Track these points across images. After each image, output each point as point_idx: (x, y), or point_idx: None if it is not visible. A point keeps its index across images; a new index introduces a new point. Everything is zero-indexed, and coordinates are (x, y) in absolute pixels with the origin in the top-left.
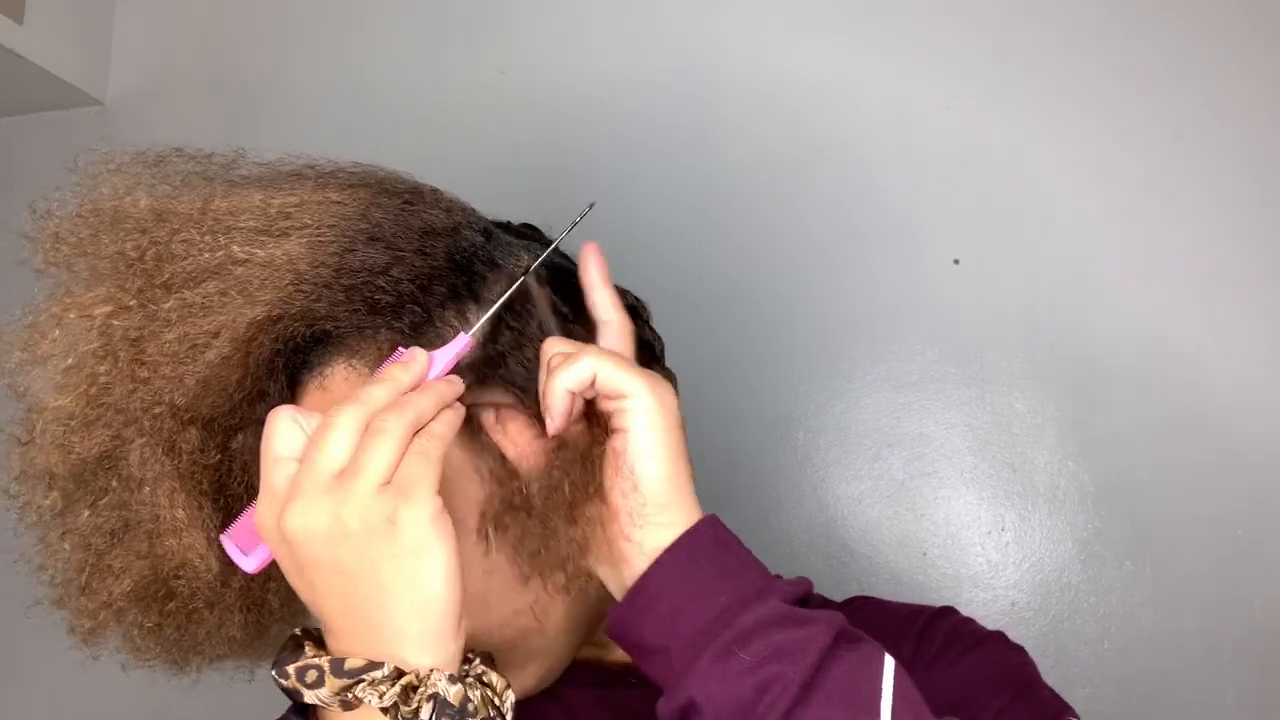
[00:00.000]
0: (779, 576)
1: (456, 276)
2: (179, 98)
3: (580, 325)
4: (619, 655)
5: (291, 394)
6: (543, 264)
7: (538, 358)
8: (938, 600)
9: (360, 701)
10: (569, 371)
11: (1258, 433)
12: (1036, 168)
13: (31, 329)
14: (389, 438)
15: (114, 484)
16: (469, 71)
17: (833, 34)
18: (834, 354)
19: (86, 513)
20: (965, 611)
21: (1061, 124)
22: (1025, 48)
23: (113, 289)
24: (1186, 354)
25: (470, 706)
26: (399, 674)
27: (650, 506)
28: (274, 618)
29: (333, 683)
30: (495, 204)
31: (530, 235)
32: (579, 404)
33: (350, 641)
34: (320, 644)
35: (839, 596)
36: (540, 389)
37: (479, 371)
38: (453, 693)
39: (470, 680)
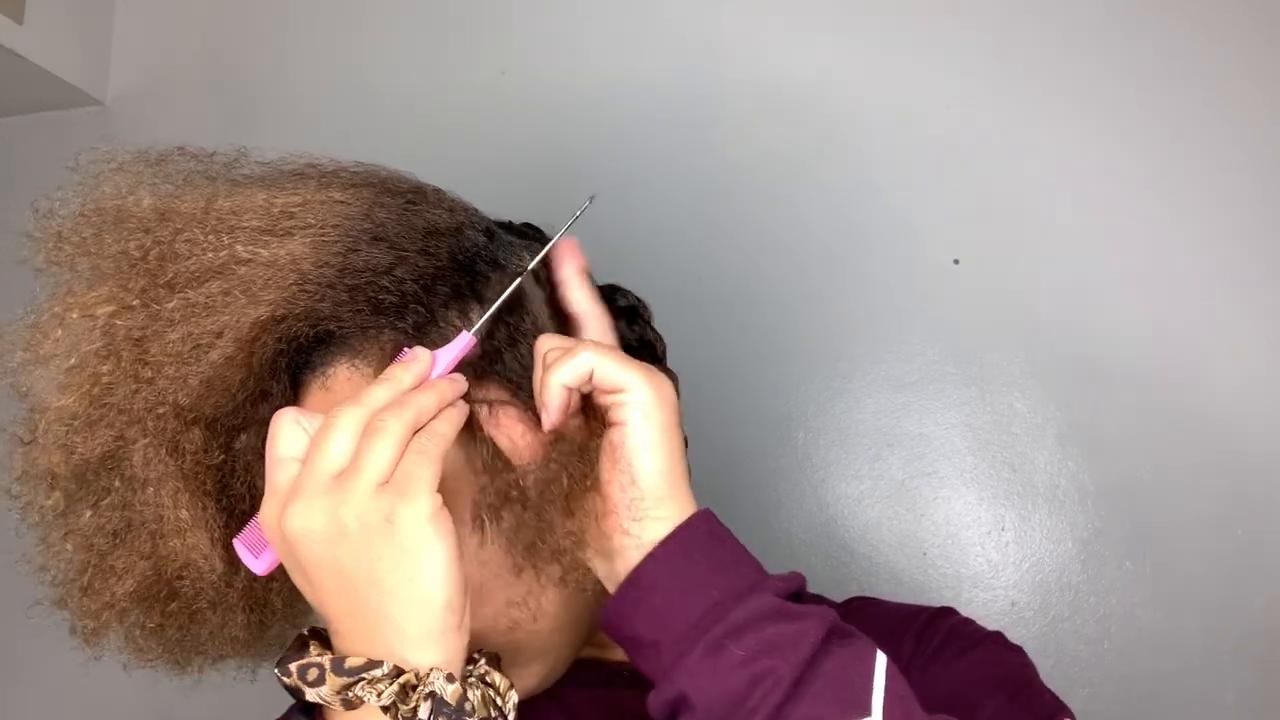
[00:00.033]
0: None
1: (460, 276)
2: (179, 98)
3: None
4: (619, 655)
5: (294, 394)
6: (540, 261)
7: (532, 354)
8: (938, 600)
9: (361, 700)
10: (567, 366)
11: (1258, 433)
12: (1037, 168)
13: (34, 329)
14: (388, 437)
15: (117, 484)
16: (469, 71)
17: (833, 34)
18: (834, 354)
19: (89, 513)
20: (965, 612)
21: (1061, 124)
22: (1025, 48)
23: (116, 288)
24: (1186, 354)
25: (468, 706)
26: (398, 673)
27: (647, 500)
28: (277, 618)
29: (333, 681)
30: (495, 204)
31: (531, 235)
32: (575, 399)
33: (352, 640)
34: (326, 643)
35: (839, 596)
36: (535, 385)
37: (475, 367)
38: (450, 692)
39: (472, 680)
